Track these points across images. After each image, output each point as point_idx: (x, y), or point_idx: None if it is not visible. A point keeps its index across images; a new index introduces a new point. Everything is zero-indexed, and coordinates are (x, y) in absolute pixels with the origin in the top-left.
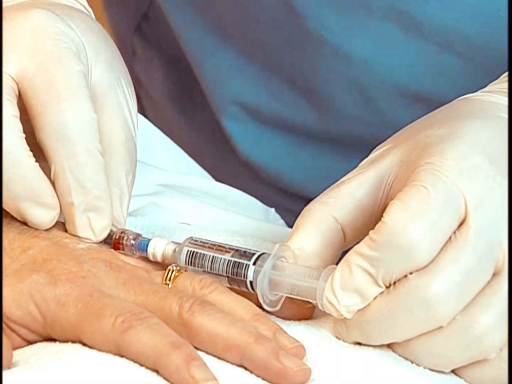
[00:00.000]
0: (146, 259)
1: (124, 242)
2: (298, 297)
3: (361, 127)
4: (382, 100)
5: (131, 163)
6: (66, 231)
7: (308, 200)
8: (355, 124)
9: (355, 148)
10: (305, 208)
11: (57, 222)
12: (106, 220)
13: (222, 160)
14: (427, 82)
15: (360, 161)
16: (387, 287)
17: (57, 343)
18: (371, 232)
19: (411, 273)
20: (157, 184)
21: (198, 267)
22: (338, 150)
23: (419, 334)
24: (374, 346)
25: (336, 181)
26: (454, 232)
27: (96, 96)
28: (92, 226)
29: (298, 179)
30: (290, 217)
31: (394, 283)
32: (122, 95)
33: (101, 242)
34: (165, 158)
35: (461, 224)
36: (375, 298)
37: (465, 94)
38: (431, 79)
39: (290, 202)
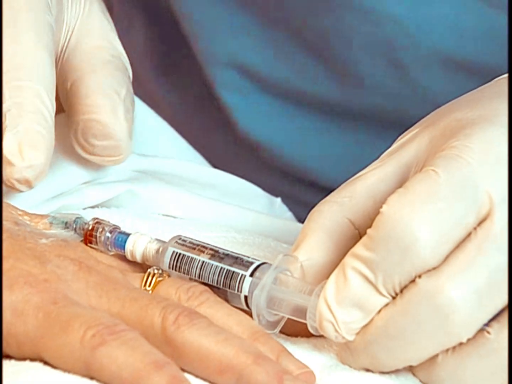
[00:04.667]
0: (123, 257)
1: (98, 235)
2: (294, 318)
3: (390, 100)
4: (417, 67)
5: (123, 78)
6: (27, 222)
7: (321, 189)
8: (382, 96)
9: (382, 125)
10: (314, 209)
11: (18, 216)
12: (41, 155)
13: (216, 138)
14: (472, 47)
15: (386, 147)
16: (393, 297)
17: (13, 361)
18: (369, 229)
19: (420, 277)
20: (132, 170)
21: (184, 273)
22: (360, 127)
23: (442, 355)
24: (393, 370)
25: (356, 167)
26: (475, 228)
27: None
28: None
29: (309, 163)
30: (300, 208)
31: (402, 291)
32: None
33: (70, 232)
34: (147, 137)
35: (484, 220)
36: (379, 311)
37: None
38: (477, 43)
39: (299, 191)
